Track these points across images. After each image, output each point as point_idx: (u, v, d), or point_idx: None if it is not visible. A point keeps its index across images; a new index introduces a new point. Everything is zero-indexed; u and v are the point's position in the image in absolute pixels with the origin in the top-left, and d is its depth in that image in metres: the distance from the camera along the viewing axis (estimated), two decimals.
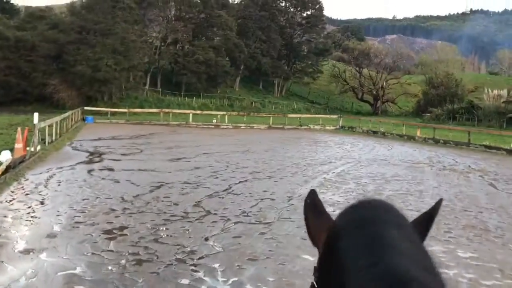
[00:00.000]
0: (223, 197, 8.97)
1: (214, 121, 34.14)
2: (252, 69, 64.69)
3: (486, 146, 22.60)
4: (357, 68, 70.04)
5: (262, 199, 8.89)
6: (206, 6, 58.70)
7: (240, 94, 62.76)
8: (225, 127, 33.47)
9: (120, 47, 44.67)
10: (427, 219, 0.93)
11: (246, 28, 63.58)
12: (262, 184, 10.53)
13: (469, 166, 16.35)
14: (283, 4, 73.29)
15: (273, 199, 8.91)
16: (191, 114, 34.14)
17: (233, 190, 9.60)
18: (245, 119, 35.73)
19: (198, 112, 37.25)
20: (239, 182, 10.67)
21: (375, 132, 31.96)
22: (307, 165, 14.38)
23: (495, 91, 46.66)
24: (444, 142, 25.58)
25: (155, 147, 17.98)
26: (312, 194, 0.97)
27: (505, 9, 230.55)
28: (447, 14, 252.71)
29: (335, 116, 39.21)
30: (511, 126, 41.91)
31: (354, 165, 15.06)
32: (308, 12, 73.46)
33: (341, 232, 0.83)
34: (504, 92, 46.18)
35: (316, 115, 42.35)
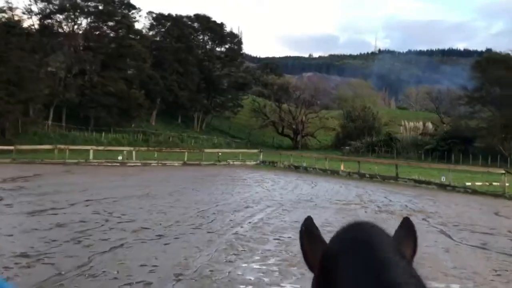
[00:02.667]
0: (63, 285, 5.56)
1: (120, 158, 30.07)
2: (169, 102, 61.39)
3: (415, 181, 21.02)
4: (277, 103, 70.00)
5: (131, 283, 5.60)
6: (117, 35, 55.00)
7: (157, 128, 58.93)
8: (132, 164, 29.58)
9: (14, 76, 39.41)
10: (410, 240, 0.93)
11: (162, 60, 60.47)
12: (143, 251, 7.22)
13: (406, 205, 14.23)
14: (200, 37, 71.55)
15: (149, 283, 5.65)
16: (91, 151, 29.80)
17: (92, 267, 6.20)
18: (156, 155, 32.04)
19: (101, 148, 32.88)
20: (110, 249, 7.28)
21: (297, 167, 29.83)
22: (217, 213, 11.29)
23: (412, 123, 47.24)
24: (370, 176, 23.84)
25: (25, 193, 13.94)
26: (307, 221, 0.98)
27: (409, 50, 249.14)
28: (358, 54, 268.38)
29: (255, 151, 36.77)
30: (427, 157, 42.19)
31: (275, 210, 12.24)
32: (227, 46, 72.22)
33: (334, 256, 0.84)
34: (420, 124, 46.86)
35: (236, 150, 39.67)
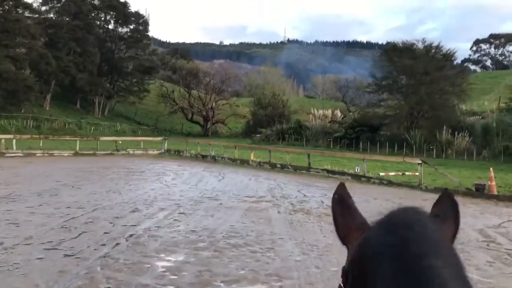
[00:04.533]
0: None
1: None
2: (66, 86, 55.69)
3: (328, 171, 19.72)
4: (186, 89, 67.34)
5: None
6: (3, 9, 48.22)
7: (51, 114, 53.06)
8: (12, 155, 25.29)
9: None
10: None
11: (56, 38, 54.46)
12: None
13: (322, 201, 12.59)
14: (102, 16, 66.04)
15: None
16: None
17: None
18: (41, 144, 27.83)
19: None
20: None
21: (204, 156, 27.52)
22: (89, 223, 8.63)
23: (320, 111, 47.05)
24: (282, 166, 22.25)
25: None
26: (340, 189, 0.92)
27: (316, 40, 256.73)
28: (268, 43, 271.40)
29: (159, 138, 33.75)
30: (336, 145, 42.10)
31: (170, 214, 9.85)
32: (131, 27, 67.42)
33: (375, 252, 0.77)
34: (328, 112, 46.79)
35: (138, 138, 36.24)
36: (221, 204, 11.39)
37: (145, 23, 69.02)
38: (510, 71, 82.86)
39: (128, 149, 29.82)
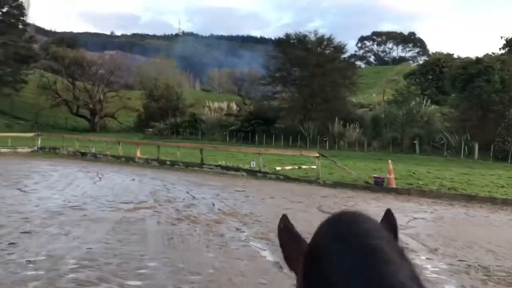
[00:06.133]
0: None
1: None
2: None
3: (222, 167, 18.08)
4: (70, 79, 61.84)
5: None
6: None
7: None
8: None
9: None
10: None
11: None
12: None
13: (213, 204, 10.86)
14: None
15: None
16: None
17: None
18: None
19: None
20: None
21: (84, 154, 24.38)
22: None
23: (216, 104, 45.52)
24: (172, 163, 20.16)
25: None
26: (284, 219, 0.94)
27: (211, 34, 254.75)
28: (162, 35, 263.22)
29: (31, 134, 29.53)
30: (232, 138, 40.95)
31: (8, 234, 7.38)
32: (3, 10, 59.85)
33: (322, 251, 0.79)
34: (224, 105, 45.42)
35: (6, 134, 31.46)
36: (85, 215, 9.09)
37: (20, 7, 61.76)
38: (391, 67, 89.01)
39: None
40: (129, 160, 21.86)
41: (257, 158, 17.36)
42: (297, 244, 0.88)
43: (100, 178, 15.79)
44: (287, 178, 15.79)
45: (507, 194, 12.41)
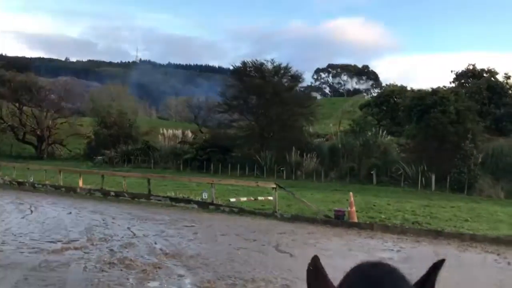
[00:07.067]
0: None
1: None
2: None
3: (171, 199, 16.63)
4: (17, 105, 58.95)
5: None
6: None
7: None
8: None
9: None
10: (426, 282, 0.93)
11: None
12: None
13: (155, 243, 9.47)
14: None
15: None
16: None
17: None
18: None
19: None
20: None
21: (21, 183, 22.24)
22: None
23: (170, 131, 44.00)
24: (116, 194, 18.50)
25: None
26: (315, 260, 0.94)
27: (169, 62, 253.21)
28: (119, 62, 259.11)
29: None
30: (187, 167, 39.38)
31: None
32: None
33: None
34: (179, 132, 43.96)
35: None
36: None
37: None
38: (346, 98, 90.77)
39: None
40: (70, 191, 19.98)
41: (209, 189, 16.08)
42: (325, 285, 0.88)
43: (31, 211, 14.00)
44: (241, 211, 14.56)
45: (473, 230, 11.73)
